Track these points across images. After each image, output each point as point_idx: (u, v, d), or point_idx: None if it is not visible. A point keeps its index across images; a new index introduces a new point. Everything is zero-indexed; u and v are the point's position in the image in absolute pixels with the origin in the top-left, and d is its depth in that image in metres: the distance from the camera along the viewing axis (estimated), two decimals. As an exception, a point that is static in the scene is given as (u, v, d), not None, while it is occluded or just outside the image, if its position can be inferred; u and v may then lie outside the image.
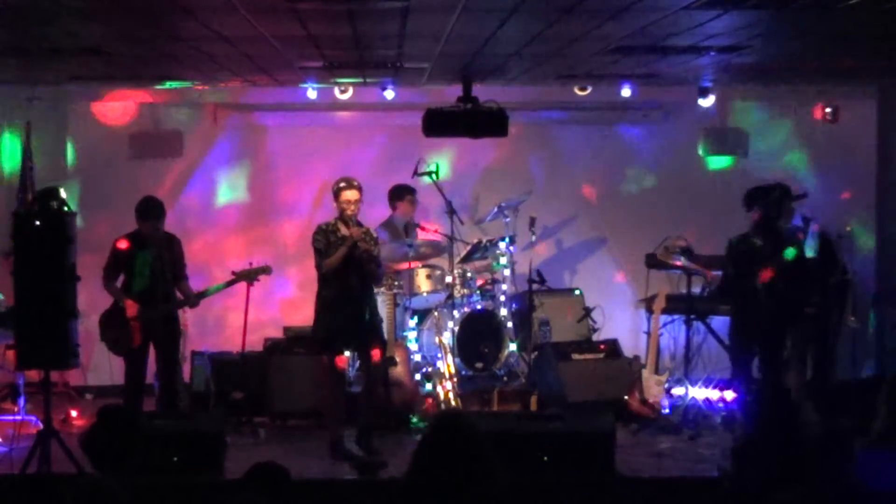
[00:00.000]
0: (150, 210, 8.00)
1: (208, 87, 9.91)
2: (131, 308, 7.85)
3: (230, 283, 8.36)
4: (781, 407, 5.11)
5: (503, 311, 9.69)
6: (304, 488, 6.20)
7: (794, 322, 8.27)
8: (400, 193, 9.51)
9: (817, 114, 10.49)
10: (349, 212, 7.61)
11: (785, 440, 4.87)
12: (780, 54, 7.57)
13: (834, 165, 10.62)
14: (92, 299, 8.45)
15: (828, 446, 4.56)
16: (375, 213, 9.27)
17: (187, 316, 9.01)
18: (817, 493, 4.32)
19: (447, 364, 8.99)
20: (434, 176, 9.40)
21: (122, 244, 7.96)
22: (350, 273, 7.62)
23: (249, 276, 8.37)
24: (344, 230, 7.66)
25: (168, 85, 9.68)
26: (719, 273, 8.41)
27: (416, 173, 9.37)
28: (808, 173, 10.40)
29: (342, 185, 7.69)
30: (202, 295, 8.22)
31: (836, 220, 10.02)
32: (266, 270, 8.47)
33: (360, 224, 7.77)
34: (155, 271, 7.97)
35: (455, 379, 8.97)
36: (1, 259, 9.05)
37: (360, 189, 7.71)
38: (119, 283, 8.03)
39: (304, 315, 9.60)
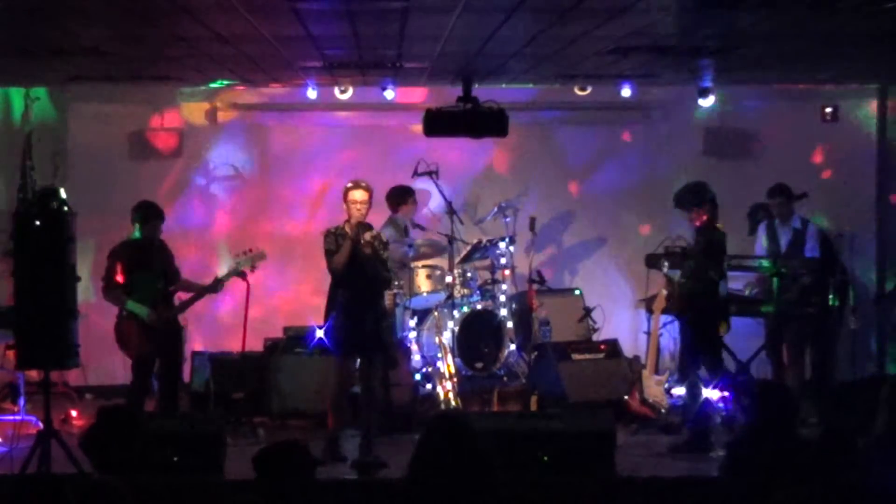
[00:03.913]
0: (152, 214, 8.04)
1: (209, 87, 9.91)
2: (140, 311, 7.87)
3: (233, 273, 8.36)
4: (782, 405, 5.10)
5: (503, 311, 9.69)
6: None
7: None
8: (403, 196, 9.48)
9: (817, 113, 10.49)
10: (354, 212, 7.59)
11: (784, 439, 4.86)
12: (780, 54, 7.57)
13: (834, 165, 10.62)
14: (91, 300, 8.46)
15: (829, 446, 4.56)
16: (373, 214, 9.25)
17: (187, 315, 9.01)
18: (818, 494, 4.32)
19: (447, 364, 8.99)
20: (434, 176, 9.40)
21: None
22: (356, 276, 7.61)
23: (248, 261, 8.39)
24: (349, 231, 7.65)
25: (182, 88, 9.70)
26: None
27: (416, 174, 9.36)
28: (808, 173, 10.39)
29: (349, 185, 7.68)
30: (222, 280, 8.29)
31: (836, 220, 10.03)
32: (262, 256, 8.48)
33: (370, 227, 7.76)
34: (155, 285, 8.01)
35: (455, 379, 8.97)
36: (1, 259, 9.05)
37: (368, 191, 7.67)
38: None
39: (304, 315, 9.64)
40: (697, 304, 8.05)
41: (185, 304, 8.34)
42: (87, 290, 8.31)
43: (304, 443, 4.50)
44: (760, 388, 5.54)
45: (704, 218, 8.07)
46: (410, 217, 9.56)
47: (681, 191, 8.23)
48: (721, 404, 8.72)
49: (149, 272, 8.01)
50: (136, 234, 8.05)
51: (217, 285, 8.33)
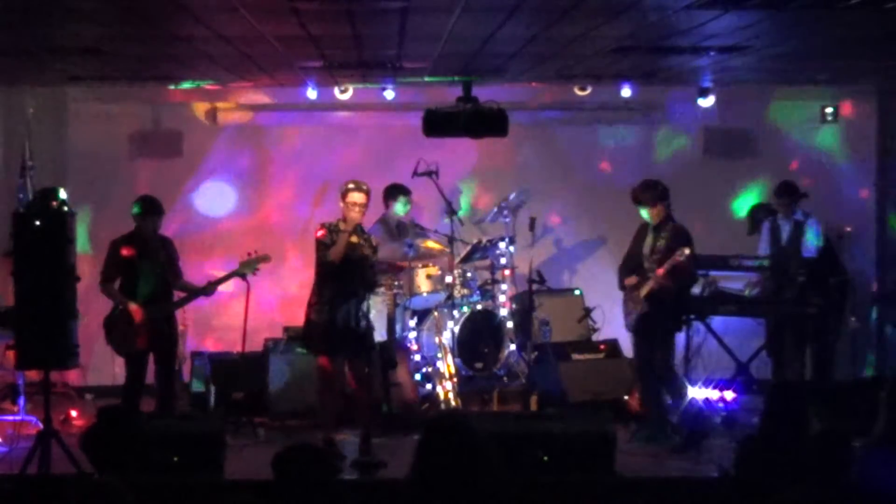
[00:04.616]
0: (151, 208, 8.05)
1: (209, 87, 9.91)
2: (137, 313, 7.88)
3: (233, 275, 8.38)
4: (792, 405, 5.09)
5: (503, 311, 9.69)
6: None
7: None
8: (393, 193, 9.50)
9: (817, 113, 10.49)
10: (353, 214, 7.58)
11: (790, 439, 4.85)
12: (780, 54, 7.57)
13: (834, 165, 10.61)
14: (91, 299, 8.45)
15: (826, 447, 4.54)
16: (372, 214, 9.27)
17: (187, 316, 9.01)
18: (817, 493, 4.32)
19: (447, 364, 8.99)
20: (434, 176, 9.39)
21: (126, 251, 7.98)
22: (345, 275, 7.61)
23: (251, 265, 8.39)
24: (344, 228, 7.66)
25: (170, 85, 9.69)
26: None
27: (415, 173, 9.36)
28: (808, 173, 10.38)
29: (350, 186, 7.65)
30: (215, 284, 8.29)
31: (836, 220, 10.02)
32: (265, 259, 8.49)
33: (363, 231, 7.77)
34: (158, 276, 8.02)
35: (455, 379, 8.97)
36: (1, 259, 9.05)
37: (367, 193, 7.66)
38: (116, 285, 8.05)
39: (304, 315, 9.62)
40: (663, 301, 8.12)
41: (179, 303, 8.34)
42: (86, 290, 8.29)
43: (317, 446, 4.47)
44: (773, 389, 5.51)
45: (665, 212, 8.21)
46: (405, 216, 9.55)
47: (641, 188, 8.31)
48: (721, 404, 8.74)
49: (148, 267, 8.01)
50: (137, 224, 8.05)
51: (210, 288, 8.32)
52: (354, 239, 7.63)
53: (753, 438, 5.20)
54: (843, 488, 4.34)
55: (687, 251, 7.98)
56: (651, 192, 8.21)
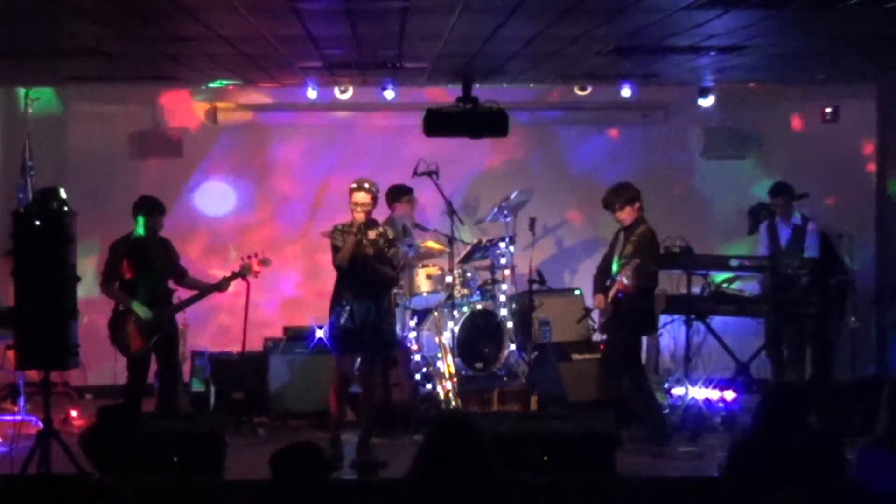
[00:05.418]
0: (153, 208, 8.05)
1: (209, 87, 9.91)
2: (141, 311, 7.88)
3: (235, 276, 8.39)
4: (793, 406, 5.09)
5: (503, 311, 9.69)
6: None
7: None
8: (396, 194, 9.48)
9: (817, 113, 10.49)
10: (356, 215, 7.59)
11: (788, 440, 4.85)
12: (780, 54, 7.57)
13: (834, 165, 10.61)
14: (91, 299, 8.46)
15: (819, 447, 4.54)
16: (374, 214, 9.25)
17: (187, 316, 9.01)
18: (815, 494, 4.32)
19: (447, 364, 8.99)
20: (434, 176, 9.39)
21: (127, 264, 7.97)
22: (358, 274, 7.61)
23: (251, 269, 8.41)
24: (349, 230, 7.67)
25: (171, 85, 9.69)
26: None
27: (416, 173, 9.35)
28: (808, 173, 10.38)
29: (353, 186, 7.67)
30: (228, 280, 8.33)
31: (836, 220, 10.02)
32: (266, 262, 8.51)
33: (376, 224, 7.77)
34: (158, 278, 8.02)
35: (455, 379, 8.97)
36: (1, 259, 9.05)
37: (370, 192, 7.65)
38: (116, 286, 8.06)
39: (304, 315, 9.63)
40: (636, 304, 8.13)
41: (189, 302, 8.35)
42: (87, 290, 8.30)
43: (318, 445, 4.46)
44: (771, 391, 5.51)
45: (636, 215, 8.32)
46: (408, 217, 9.55)
47: (611, 192, 8.47)
48: (721, 404, 8.75)
49: (150, 270, 8.02)
50: (139, 229, 8.06)
51: (224, 284, 8.35)
52: (369, 237, 7.64)
53: (743, 445, 5.19)
54: (841, 489, 4.34)
55: (637, 261, 8.04)
56: (620, 195, 8.30)
